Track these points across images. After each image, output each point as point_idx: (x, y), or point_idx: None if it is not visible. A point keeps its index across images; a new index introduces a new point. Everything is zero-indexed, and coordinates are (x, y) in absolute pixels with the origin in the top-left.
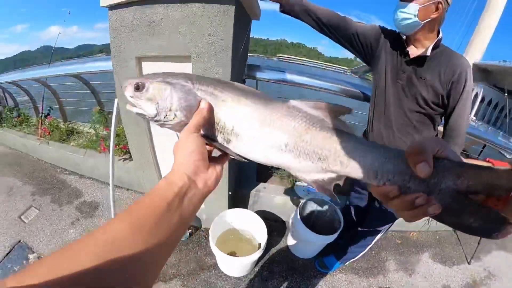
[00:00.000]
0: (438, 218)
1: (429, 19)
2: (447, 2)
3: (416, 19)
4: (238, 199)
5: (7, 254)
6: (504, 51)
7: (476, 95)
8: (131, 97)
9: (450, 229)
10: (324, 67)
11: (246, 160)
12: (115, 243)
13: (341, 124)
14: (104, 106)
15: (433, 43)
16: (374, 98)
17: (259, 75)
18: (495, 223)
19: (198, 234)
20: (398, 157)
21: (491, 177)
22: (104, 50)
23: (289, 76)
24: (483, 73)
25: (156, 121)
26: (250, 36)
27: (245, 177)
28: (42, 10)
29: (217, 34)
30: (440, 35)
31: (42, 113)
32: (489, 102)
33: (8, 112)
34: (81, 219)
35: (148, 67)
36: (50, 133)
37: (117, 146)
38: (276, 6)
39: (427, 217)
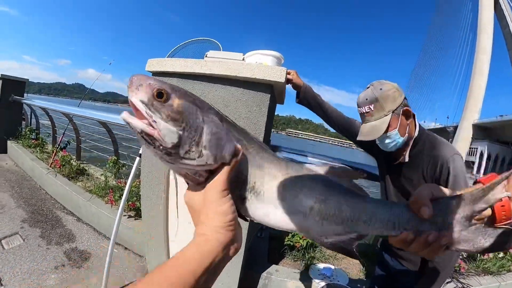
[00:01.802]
0: (456, 248)
1: (408, 127)
2: (405, 99)
3: (401, 138)
4: (247, 282)
5: None
6: (499, 106)
7: (481, 154)
8: (145, 104)
9: None
10: (330, 141)
11: (247, 220)
12: None
13: (358, 187)
14: (119, 158)
15: (409, 147)
16: (380, 183)
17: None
18: (503, 237)
19: None
20: (408, 208)
21: (476, 199)
22: (128, 101)
23: (310, 159)
24: (484, 131)
25: (168, 154)
26: None
27: (256, 257)
28: (86, 53)
29: (252, 117)
30: (416, 131)
31: (59, 145)
32: (496, 158)
33: (28, 132)
34: (66, 266)
35: None
36: (61, 166)
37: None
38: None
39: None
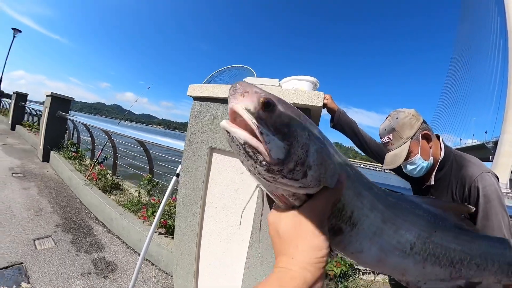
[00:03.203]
0: None
1: (431, 150)
2: (425, 123)
3: (425, 162)
4: None
5: (2, 269)
6: None
7: None
8: (251, 113)
9: None
10: (362, 165)
11: (333, 256)
12: None
13: (468, 223)
14: (154, 176)
15: (435, 169)
16: None
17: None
18: None
19: None
20: None
21: None
22: (161, 123)
23: None
24: None
25: (269, 170)
26: None
27: None
28: (124, 78)
29: None
30: (442, 153)
31: (97, 159)
32: None
33: (69, 145)
34: (92, 275)
35: (217, 158)
36: (97, 179)
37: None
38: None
39: None
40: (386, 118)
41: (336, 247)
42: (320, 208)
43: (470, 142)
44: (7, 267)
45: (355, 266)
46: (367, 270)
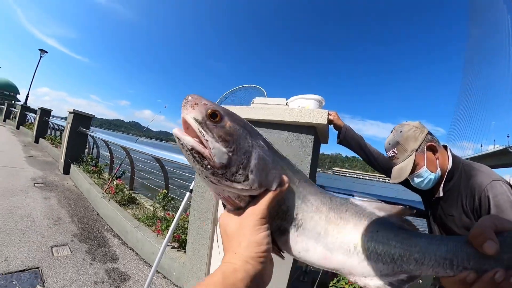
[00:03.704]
0: None
1: (438, 161)
2: (430, 134)
3: (433, 174)
4: None
5: (20, 271)
6: None
7: None
8: (198, 122)
9: None
10: (380, 179)
11: (282, 257)
12: None
13: (408, 223)
14: (169, 191)
15: (443, 180)
16: (426, 221)
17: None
18: None
19: None
20: (468, 244)
21: None
22: None
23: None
24: None
25: (214, 174)
26: None
27: None
28: (143, 96)
29: (297, 157)
30: (450, 163)
31: (115, 174)
32: None
33: (89, 159)
34: (105, 284)
35: None
36: (114, 193)
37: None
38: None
39: None
40: (391, 132)
41: (283, 246)
42: (261, 208)
43: (491, 148)
44: (24, 270)
45: None
46: None
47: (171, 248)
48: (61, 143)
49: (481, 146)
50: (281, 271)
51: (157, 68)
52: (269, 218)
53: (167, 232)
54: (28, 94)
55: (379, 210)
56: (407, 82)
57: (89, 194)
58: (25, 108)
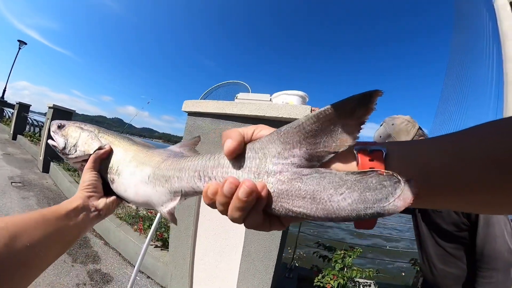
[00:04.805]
0: (290, 210)
1: None
2: (421, 129)
3: None
4: None
5: None
6: None
7: None
8: (53, 132)
9: None
10: None
11: (128, 203)
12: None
13: (194, 151)
14: None
15: None
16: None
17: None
18: (381, 187)
19: None
20: (220, 153)
21: (314, 131)
22: (162, 137)
23: None
24: None
25: (62, 153)
26: None
27: None
28: (126, 92)
29: None
30: None
31: None
32: None
33: None
34: (87, 286)
35: None
36: None
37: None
38: None
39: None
40: (381, 125)
41: (116, 191)
42: (87, 163)
43: None
44: None
45: (355, 279)
46: (367, 282)
47: (154, 247)
48: (40, 140)
49: None
50: (266, 267)
51: (141, 62)
52: (95, 169)
53: (150, 230)
54: (5, 87)
55: (179, 147)
56: (390, 83)
57: (69, 193)
58: (2, 102)
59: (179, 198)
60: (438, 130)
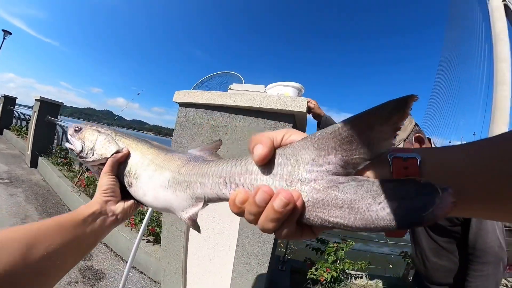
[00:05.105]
0: (326, 220)
1: None
2: (417, 126)
3: None
4: None
5: None
6: None
7: None
8: (70, 135)
9: None
10: None
11: (144, 206)
12: (40, 232)
13: (216, 155)
14: None
15: None
16: None
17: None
18: (419, 195)
19: None
20: (248, 160)
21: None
22: (152, 129)
23: None
24: None
25: (80, 156)
26: None
27: None
28: (116, 83)
29: None
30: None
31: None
32: None
33: (58, 150)
34: (80, 283)
35: None
36: (86, 186)
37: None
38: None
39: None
40: None
41: (134, 195)
42: (105, 167)
43: (459, 144)
44: None
45: (347, 271)
46: (359, 274)
47: (147, 242)
48: (27, 134)
49: (450, 142)
50: (260, 262)
51: (132, 54)
52: (113, 173)
53: (141, 225)
54: None
55: (199, 151)
56: (382, 76)
57: (58, 188)
58: None
59: (201, 204)
60: (429, 123)
